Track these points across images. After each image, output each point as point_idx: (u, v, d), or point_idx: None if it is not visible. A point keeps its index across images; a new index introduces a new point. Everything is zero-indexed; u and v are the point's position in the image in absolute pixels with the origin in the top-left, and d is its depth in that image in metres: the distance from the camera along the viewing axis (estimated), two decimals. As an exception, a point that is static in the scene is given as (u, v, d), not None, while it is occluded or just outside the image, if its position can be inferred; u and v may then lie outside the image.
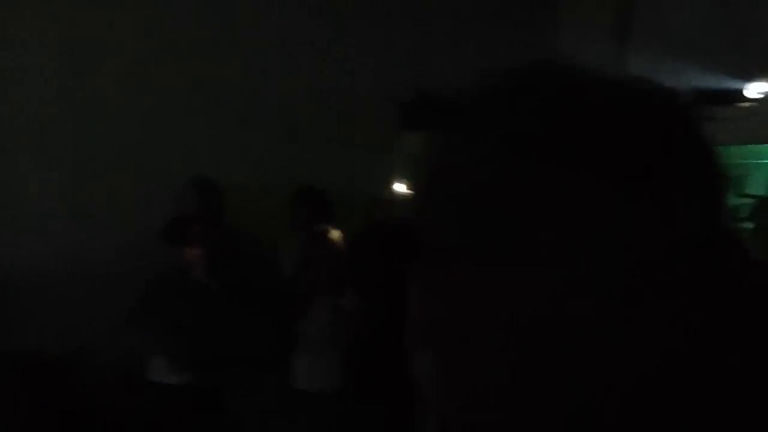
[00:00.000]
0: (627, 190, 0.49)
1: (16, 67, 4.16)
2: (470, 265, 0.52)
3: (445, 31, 4.93)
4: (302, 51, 4.67)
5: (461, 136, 0.55)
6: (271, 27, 4.60)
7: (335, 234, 3.71)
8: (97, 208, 4.13)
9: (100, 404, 3.40)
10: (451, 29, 4.94)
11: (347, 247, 3.73)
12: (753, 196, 3.07)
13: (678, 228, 0.49)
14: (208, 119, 4.40)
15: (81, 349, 3.62)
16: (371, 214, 4.12)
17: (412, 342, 0.56)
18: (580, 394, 0.50)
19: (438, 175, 0.57)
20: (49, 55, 4.21)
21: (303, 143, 4.53)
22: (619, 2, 4.81)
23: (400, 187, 4.32)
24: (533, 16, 5.02)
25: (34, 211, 4.08)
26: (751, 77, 2.99)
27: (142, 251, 3.52)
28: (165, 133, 4.29)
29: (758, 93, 2.96)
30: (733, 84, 3.06)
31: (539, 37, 5.00)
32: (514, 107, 0.53)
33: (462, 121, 0.57)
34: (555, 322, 0.50)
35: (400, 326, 0.56)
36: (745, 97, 3.00)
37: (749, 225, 3.22)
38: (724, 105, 2.97)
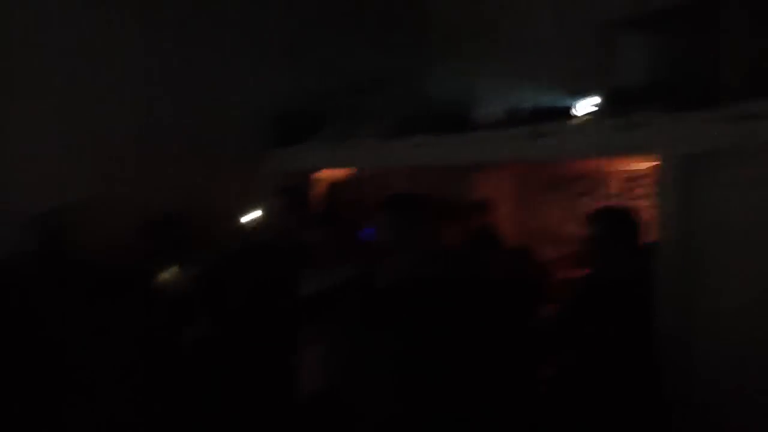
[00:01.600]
0: None
1: None
2: None
3: (310, 49, 4.95)
4: (164, 68, 4.55)
5: None
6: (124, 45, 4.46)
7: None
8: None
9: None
10: (316, 48, 4.96)
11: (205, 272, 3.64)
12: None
13: None
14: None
15: None
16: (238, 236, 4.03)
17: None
18: None
19: None
20: None
21: (162, 166, 4.41)
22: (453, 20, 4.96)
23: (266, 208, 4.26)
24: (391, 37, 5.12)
25: None
26: (578, 95, 3.13)
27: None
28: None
29: (585, 110, 3.10)
30: (562, 101, 3.20)
31: (395, 57, 5.09)
32: None
33: None
34: None
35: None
36: (573, 114, 3.13)
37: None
38: (554, 121, 3.10)
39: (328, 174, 5.34)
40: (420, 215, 2.73)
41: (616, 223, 2.88)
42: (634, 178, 5.14)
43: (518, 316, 2.93)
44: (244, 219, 3.93)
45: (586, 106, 3.11)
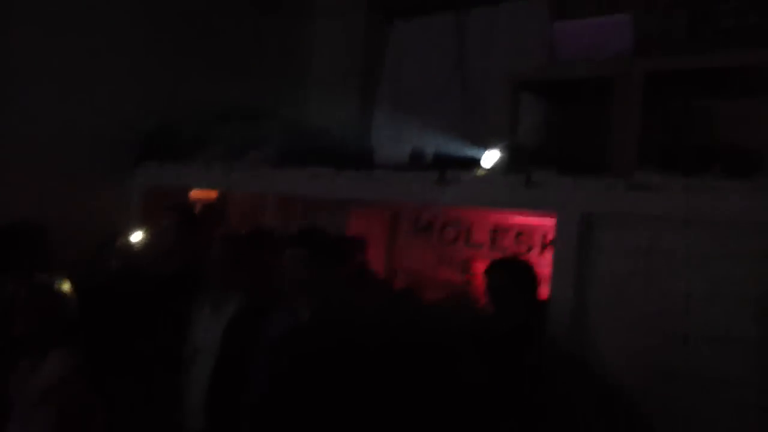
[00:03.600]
0: None
1: None
2: None
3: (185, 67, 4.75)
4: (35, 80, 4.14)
5: None
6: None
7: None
8: None
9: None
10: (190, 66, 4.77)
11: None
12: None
13: None
14: None
15: None
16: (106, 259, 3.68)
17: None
18: None
19: None
20: None
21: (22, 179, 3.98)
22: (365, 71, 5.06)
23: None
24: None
25: None
26: (485, 145, 3.26)
27: None
28: None
29: (490, 161, 3.23)
30: (469, 151, 3.32)
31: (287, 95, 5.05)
32: None
33: None
34: None
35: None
36: (479, 164, 3.25)
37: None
38: (461, 170, 3.20)
39: (196, 194, 5.11)
40: (330, 252, 2.68)
41: (516, 273, 3.00)
42: (500, 230, 5.45)
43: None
44: (130, 237, 3.60)
45: (488, 158, 3.24)
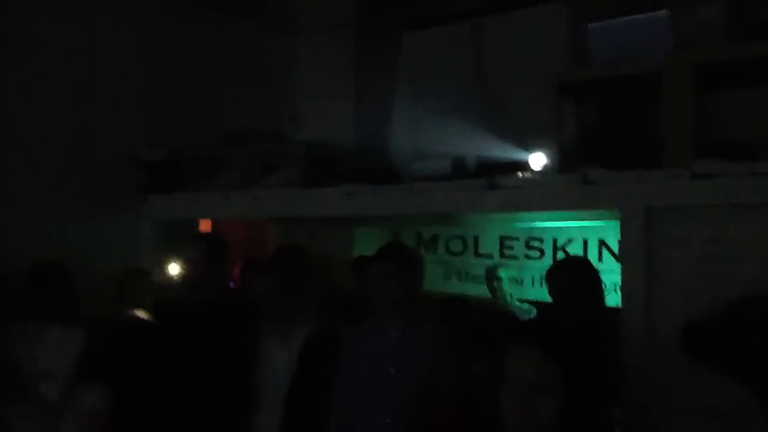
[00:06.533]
0: None
1: None
2: None
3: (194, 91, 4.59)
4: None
5: None
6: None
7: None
8: None
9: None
10: (200, 90, 4.63)
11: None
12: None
13: None
14: None
15: None
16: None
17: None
18: None
19: None
20: None
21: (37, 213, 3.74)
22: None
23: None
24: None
25: None
26: (531, 149, 3.24)
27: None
28: None
29: (538, 164, 3.21)
30: (516, 154, 3.29)
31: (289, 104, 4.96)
32: None
33: None
34: None
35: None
36: (527, 167, 3.22)
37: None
38: (507, 174, 3.15)
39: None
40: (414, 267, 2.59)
41: (579, 274, 2.96)
42: (507, 237, 5.45)
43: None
44: (162, 270, 3.40)
45: (536, 160, 3.21)
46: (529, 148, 3.30)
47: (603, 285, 3.03)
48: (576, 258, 3.78)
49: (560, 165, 3.14)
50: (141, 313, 3.42)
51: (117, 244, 4.05)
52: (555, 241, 5.20)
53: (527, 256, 5.31)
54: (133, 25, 4.34)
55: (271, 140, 4.43)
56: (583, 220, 4.07)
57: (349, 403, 2.47)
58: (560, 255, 5.00)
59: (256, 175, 4.12)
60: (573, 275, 2.96)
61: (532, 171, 3.18)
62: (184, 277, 3.39)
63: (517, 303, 4.50)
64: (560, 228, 5.08)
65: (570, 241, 5.10)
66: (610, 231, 4.45)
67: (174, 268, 3.52)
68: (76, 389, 2.64)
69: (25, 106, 3.79)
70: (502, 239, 5.39)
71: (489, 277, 4.45)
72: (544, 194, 3.07)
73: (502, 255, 5.32)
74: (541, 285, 4.18)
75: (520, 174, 3.19)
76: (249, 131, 4.52)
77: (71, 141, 3.97)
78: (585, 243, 4.97)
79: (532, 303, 4.55)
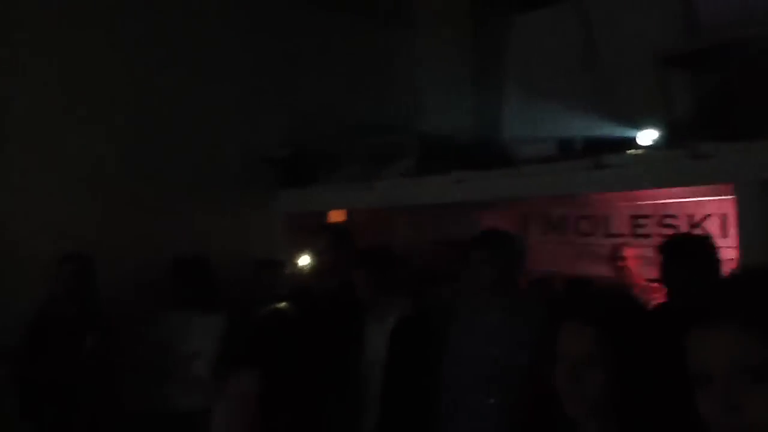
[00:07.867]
0: None
1: None
2: None
3: (315, 88, 4.87)
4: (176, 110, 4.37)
5: None
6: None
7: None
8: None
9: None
10: (320, 87, 4.89)
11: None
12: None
13: None
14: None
15: None
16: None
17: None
18: None
19: None
20: None
21: (175, 210, 4.20)
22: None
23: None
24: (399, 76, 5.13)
25: None
26: (640, 126, 3.15)
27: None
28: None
29: (647, 140, 3.12)
30: (623, 132, 3.22)
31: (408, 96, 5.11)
32: None
33: None
34: None
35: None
36: (635, 144, 3.15)
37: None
38: (615, 152, 3.10)
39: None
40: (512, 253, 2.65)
41: (695, 249, 2.85)
42: (638, 216, 5.25)
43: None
44: (298, 262, 3.72)
45: (645, 136, 3.13)
46: (640, 125, 3.21)
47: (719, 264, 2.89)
48: (689, 233, 3.59)
49: (670, 140, 3.04)
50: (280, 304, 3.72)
51: (251, 237, 4.41)
52: (690, 217, 4.94)
53: (661, 234, 5.09)
54: (260, 30, 4.71)
55: (392, 132, 4.61)
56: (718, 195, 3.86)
57: (452, 385, 2.58)
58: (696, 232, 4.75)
59: (374, 166, 4.32)
60: (686, 251, 2.86)
61: (640, 148, 3.10)
62: (313, 268, 3.65)
63: (645, 283, 4.36)
64: (697, 203, 4.82)
65: (707, 216, 4.82)
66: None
67: (303, 259, 3.81)
68: (230, 373, 2.91)
69: (179, 117, 4.25)
70: (632, 217, 5.20)
71: (613, 257, 4.35)
72: (651, 171, 2.99)
73: (633, 234, 5.14)
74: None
75: (628, 152, 3.12)
76: (370, 125, 4.72)
77: (208, 145, 4.38)
78: (722, 218, 4.69)
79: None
